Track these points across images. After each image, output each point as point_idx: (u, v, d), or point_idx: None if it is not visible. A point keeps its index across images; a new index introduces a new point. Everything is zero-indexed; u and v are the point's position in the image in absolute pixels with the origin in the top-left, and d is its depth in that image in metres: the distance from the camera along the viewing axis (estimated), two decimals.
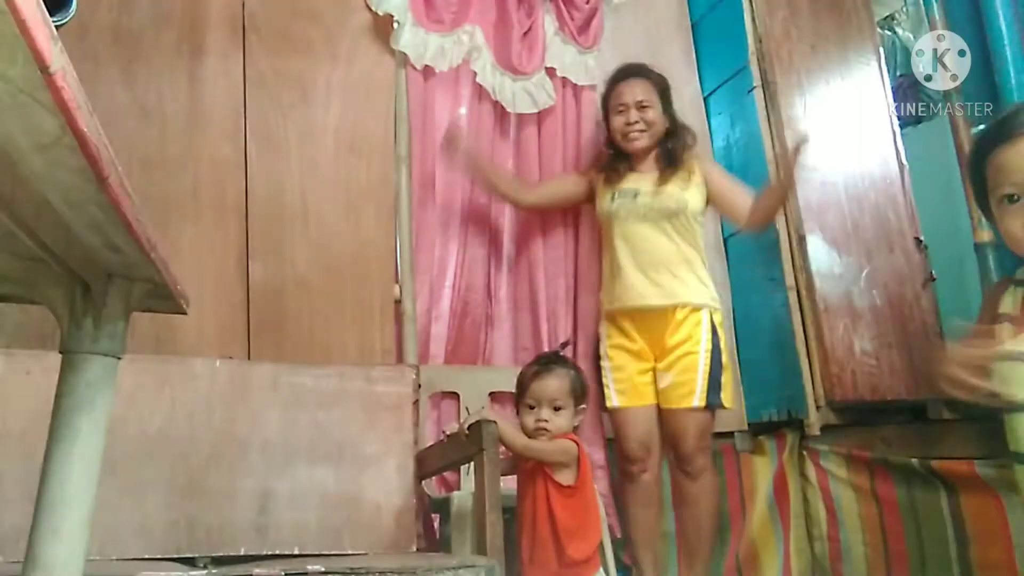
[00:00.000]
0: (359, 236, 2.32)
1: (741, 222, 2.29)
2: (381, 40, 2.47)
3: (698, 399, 2.11)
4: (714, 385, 2.13)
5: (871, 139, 2.70)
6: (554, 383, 1.83)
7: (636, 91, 2.30)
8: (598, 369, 2.29)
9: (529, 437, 1.80)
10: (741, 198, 2.28)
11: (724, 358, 2.18)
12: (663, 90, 2.35)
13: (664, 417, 2.16)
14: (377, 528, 1.88)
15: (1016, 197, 1.13)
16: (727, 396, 2.18)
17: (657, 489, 2.19)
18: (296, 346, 2.15)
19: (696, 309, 2.18)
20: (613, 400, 2.20)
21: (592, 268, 2.49)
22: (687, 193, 2.25)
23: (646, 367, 2.20)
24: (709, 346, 2.15)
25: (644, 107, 2.29)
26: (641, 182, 2.28)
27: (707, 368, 2.13)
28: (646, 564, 2.15)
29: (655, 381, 2.19)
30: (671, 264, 2.21)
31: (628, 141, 2.31)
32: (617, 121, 2.32)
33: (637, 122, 2.28)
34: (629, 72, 2.36)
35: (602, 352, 2.26)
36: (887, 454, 2.16)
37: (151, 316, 1.02)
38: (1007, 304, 1.26)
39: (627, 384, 2.19)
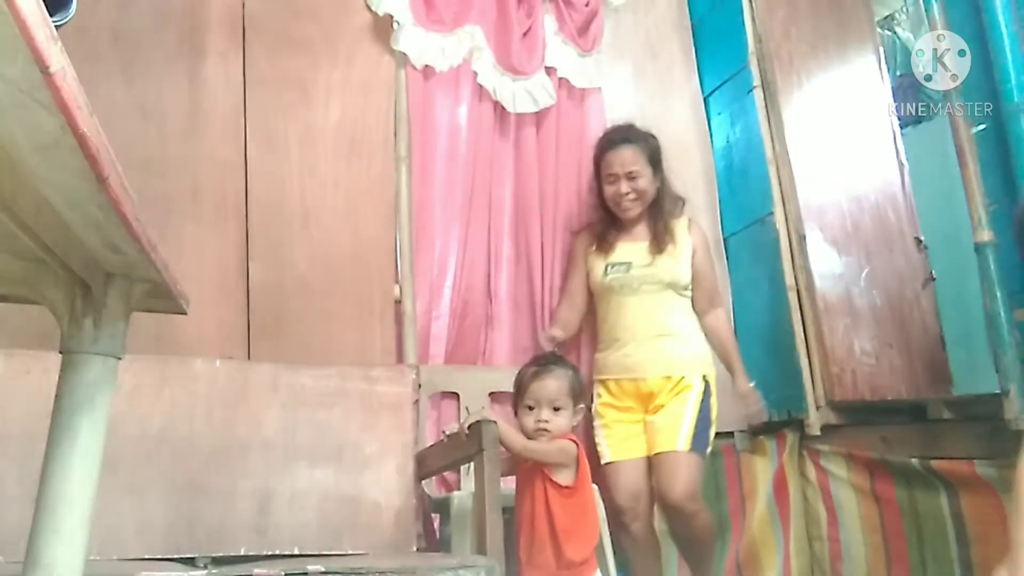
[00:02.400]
0: (359, 236, 2.32)
1: (698, 313, 2.31)
2: (381, 40, 2.47)
3: (683, 443, 2.08)
4: (700, 435, 2.11)
5: (871, 139, 2.70)
6: (553, 384, 1.83)
7: (626, 160, 2.29)
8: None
9: (529, 438, 1.80)
10: (706, 296, 2.31)
11: (712, 416, 2.17)
12: (652, 153, 2.33)
13: (652, 465, 2.13)
14: (377, 528, 1.88)
15: None
16: (712, 444, 2.17)
17: (650, 536, 2.15)
18: (296, 346, 2.15)
19: (687, 377, 2.18)
20: (605, 456, 2.18)
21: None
22: (678, 265, 2.27)
23: (636, 419, 2.20)
24: (699, 401, 2.15)
25: (634, 177, 2.28)
26: (633, 253, 2.29)
27: (694, 417, 2.12)
28: None
29: (645, 433, 2.18)
30: (665, 336, 2.22)
31: (622, 211, 2.32)
32: (609, 191, 2.32)
33: (628, 193, 2.29)
34: (617, 139, 2.34)
35: (594, 411, 2.26)
36: (887, 454, 2.16)
37: (151, 316, 1.02)
38: None
39: (616, 440, 2.19)
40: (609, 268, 2.30)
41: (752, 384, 2.25)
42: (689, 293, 2.30)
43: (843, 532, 2.30)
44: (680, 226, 2.35)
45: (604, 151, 2.35)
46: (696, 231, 2.38)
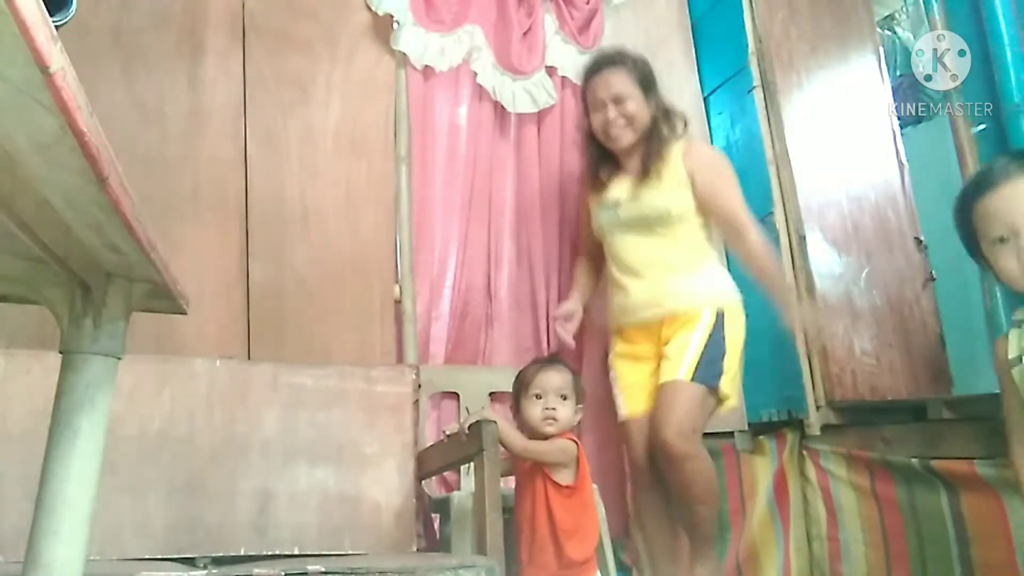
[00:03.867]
0: (359, 236, 2.32)
1: (726, 243, 2.14)
2: (381, 40, 2.46)
3: (684, 372, 1.90)
4: (708, 364, 1.91)
5: (871, 139, 2.70)
6: (558, 376, 1.85)
7: (612, 84, 2.09)
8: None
9: (537, 428, 1.80)
10: (724, 223, 2.08)
11: (728, 345, 1.96)
12: (643, 76, 2.12)
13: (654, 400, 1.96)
14: (377, 528, 1.88)
15: (1005, 238, 1.23)
16: (728, 384, 1.96)
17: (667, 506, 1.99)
18: (296, 346, 2.15)
19: (694, 310, 2.00)
20: (621, 411, 2.06)
21: None
22: (664, 196, 2.07)
23: (647, 369, 2.04)
24: (708, 329, 1.96)
25: (621, 100, 2.08)
26: (622, 189, 2.13)
27: (701, 346, 1.93)
28: (662, 565, 2.02)
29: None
30: (663, 273, 2.06)
31: (611, 140, 2.12)
32: (596, 119, 2.13)
33: (617, 118, 2.08)
34: (602, 63, 2.15)
35: (610, 363, 2.17)
36: (887, 454, 2.16)
37: (151, 316, 1.02)
38: (1013, 349, 1.30)
39: (629, 392, 2.06)
40: (601, 208, 2.16)
41: (800, 307, 2.02)
42: (693, 223, 2.08)
43: (843, 532, 2.30)
44: (675, 150, 2.11)
45: (588, 78, 2.16)
46: (695, 153, 2.13)
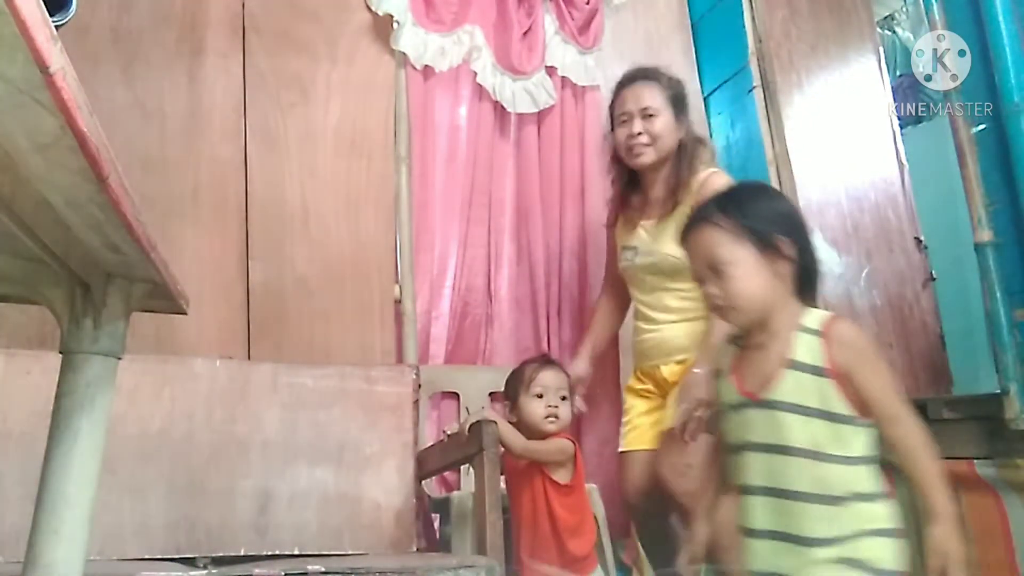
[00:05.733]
0: (359, 236, 2.32)
1: None
2: (381, 40, 2.47)
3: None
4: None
5: (871, 139, 2.70)
6: (558, 375, 1.86)
7: (642, 97, 1.97)
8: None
9: (538, 426, 1.80)
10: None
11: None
12: (676, 96, 2.01)
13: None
14: (377, 528, 1.88)
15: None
16: None
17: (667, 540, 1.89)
18: (296, 346, 2.15)
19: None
20: (621, 443, 1.99)
21: (596, 268, 2.49)
22: (676, 246, 1.97)
23: (655, 406, 1.97)
24: None
25: (649, 115, 1.96)
26: (641, 233, 2.02)
27: None
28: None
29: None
30: (673, 322, 1.94)
31: (632, 156, 1.99)
32: (620, 133, 2.00)
33: (640, 133, 1.95)
34: (636, 75, 2.04)
35: (624, 392, 2.10)
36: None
37: (151, 316, 1.02)
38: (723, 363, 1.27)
39: (631, 426, 1.98)
40: (622, 252, 2.06)
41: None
42: None
43: None
44: (693, 186, 1.94)
45: (618, 90, 2.04)
46: (707, 189, 1.88)
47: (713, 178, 1.93)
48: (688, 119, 2.03)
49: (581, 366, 2.10)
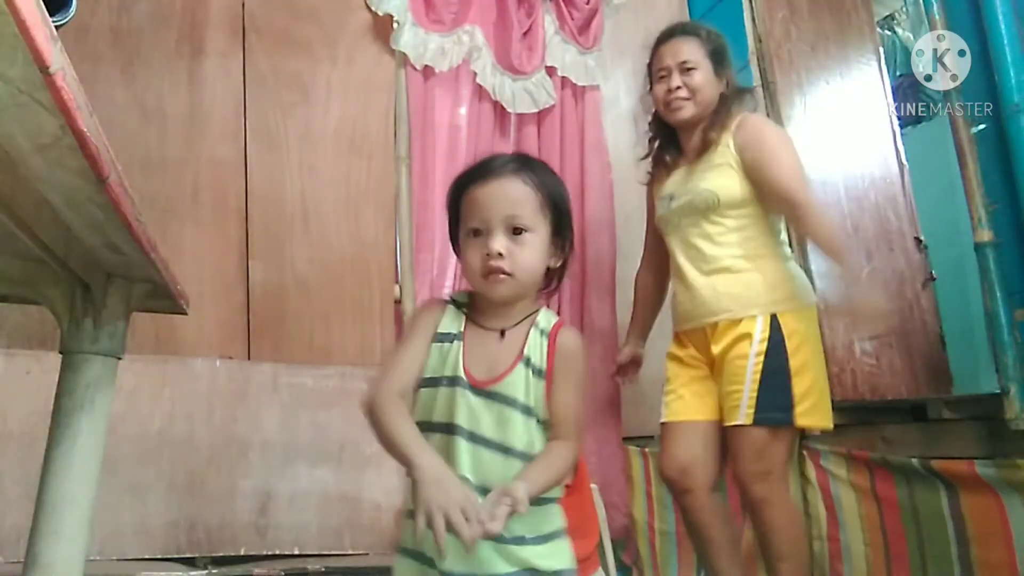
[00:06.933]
0: (359, 236, 2.33)
1: (788, 218, 1.86)
2: (381, 40, 2.47)
3: (744, 414, 1.70)
4: (770, 396, 1.69)
5: (871, 139, 2.70)
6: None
7: (680, 51, 1.89)
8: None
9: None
10: (778, 202, 1.78)
11: (795, 364, 1.71)
12: (716, 49, 1.91)
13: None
14: (377, 528, 1.88)
15: (479, 231, 1.14)
16: (807, 415, 1.72)
17: (707, 516, 1.78)
18: (296, 346, 2.15)
19: (744, 319, 1.76)
20: (662, 414, 1.87)
21: (597, 268, 2.49)
22: (711, 180, 1.83)
23: (700, 375, 1.85)
24: (763, 347, 1.71)
25: (688, 69, 1.88)
26: (676, 180, 1.94)
27: (756, 375, 1.71)
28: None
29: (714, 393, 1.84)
30: (712, 274, 1.82)
31: (670, 111, 1.91)
32: (659, 89, 1.92)
33: (680, 88, 1.88)
34: (675, 30, 1.96)
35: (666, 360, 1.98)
36: (887, 454, 2.16)
37: (151, 316, 1.02)
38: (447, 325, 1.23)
39: (675, 396, 1.86)
40: (659, 203, 1.97)
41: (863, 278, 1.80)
42: (749, 211, 1.82)
43: (843, 532, 2.30)
44: (732, 124, 1.87)
45: (657, 46, 1.97)
46: (745, 127, 1.84)
47: (752, 117, 1.88)
48: (730, 72, 1.94)
49: (632, 348, 2.08)
